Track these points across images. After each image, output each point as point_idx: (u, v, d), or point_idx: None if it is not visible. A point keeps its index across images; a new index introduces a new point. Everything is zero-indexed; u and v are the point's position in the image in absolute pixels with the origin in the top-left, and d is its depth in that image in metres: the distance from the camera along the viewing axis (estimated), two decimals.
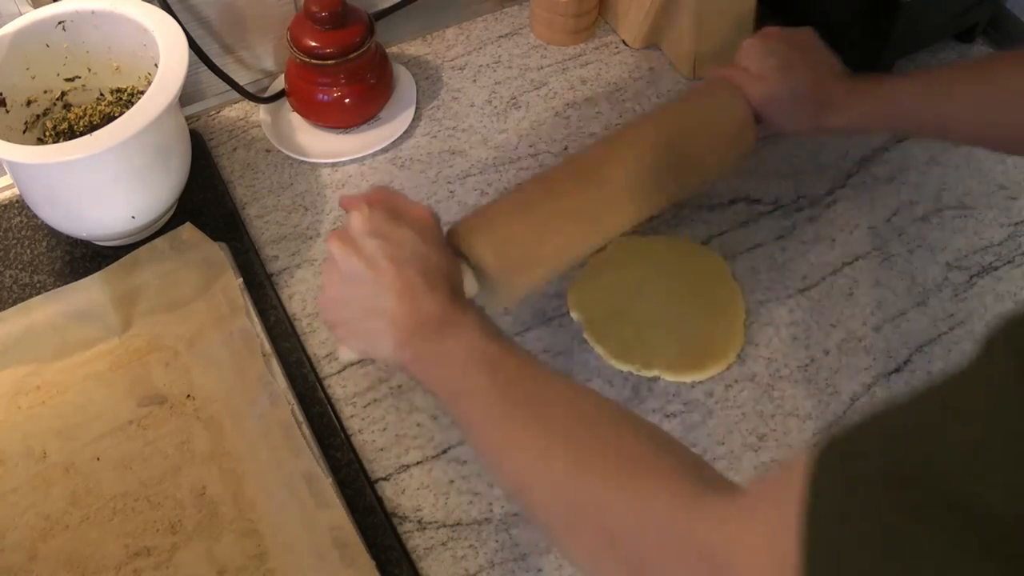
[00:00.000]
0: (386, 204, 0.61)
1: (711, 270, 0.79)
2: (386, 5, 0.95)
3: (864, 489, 0.32)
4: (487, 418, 0.55)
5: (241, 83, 0.88)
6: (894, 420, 0.34)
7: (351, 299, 0.60)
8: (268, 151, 0.89)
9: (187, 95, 0.90)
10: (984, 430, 0.31)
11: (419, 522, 0.67)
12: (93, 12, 0.77)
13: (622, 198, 0.70)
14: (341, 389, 0.73)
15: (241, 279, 0.76)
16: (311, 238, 0.82)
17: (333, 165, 0.88)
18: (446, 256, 0.61)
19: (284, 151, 0.88)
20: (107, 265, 0.76)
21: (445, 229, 0.65)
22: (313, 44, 0.84)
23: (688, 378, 0.73)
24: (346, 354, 0.65)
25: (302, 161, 0.88)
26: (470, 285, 0.64)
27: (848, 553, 0.32)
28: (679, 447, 0.51)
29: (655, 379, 0.73)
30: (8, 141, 0.68)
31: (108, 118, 0.80)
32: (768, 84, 0.74)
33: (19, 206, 0.83)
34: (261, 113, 0.91)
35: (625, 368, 0.74)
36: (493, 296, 0.66)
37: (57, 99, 0.80)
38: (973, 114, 0.70)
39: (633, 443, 0.49)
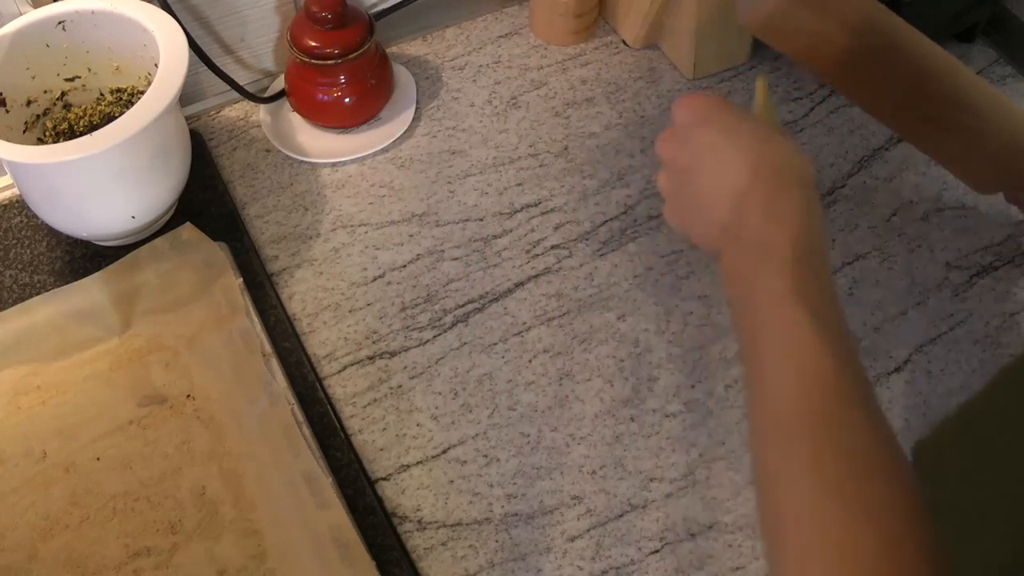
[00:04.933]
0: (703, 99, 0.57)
1: None
2: (386, 5, 0.95)
3: None
4: (783, 353, 0.50)
5: (241, 83, 0.88)
6: None
7: (687, 197, 0.56)
8: (268, 151, 0.89)
9: (187, 95, 0.90)
10: None
11: (419, 522, 0.67)
12: (93, 12, 0.77)
13: None
14: (341, 389, 0.73)
15: (241, 279, 0.76)
16: (311, 238, 0.82)
17: (333, 165, 0.88)
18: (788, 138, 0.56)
19: (284, 151, 0.88)
20: (107, 265, 0.76)
21: None
22: (313, 44, 0.84)
23: None
24: None
25: (302, 161, 0.88)
26: None
27: None
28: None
29: (655, 380, 0.73)
30: (8, 141, 0.68)
31: (108, 118, 0.80)
32: None
33: (19, 206, 0.83)
34: (261, 113, 0.91)
35: None
36: None
37: (57, 99, 0.80)
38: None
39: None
